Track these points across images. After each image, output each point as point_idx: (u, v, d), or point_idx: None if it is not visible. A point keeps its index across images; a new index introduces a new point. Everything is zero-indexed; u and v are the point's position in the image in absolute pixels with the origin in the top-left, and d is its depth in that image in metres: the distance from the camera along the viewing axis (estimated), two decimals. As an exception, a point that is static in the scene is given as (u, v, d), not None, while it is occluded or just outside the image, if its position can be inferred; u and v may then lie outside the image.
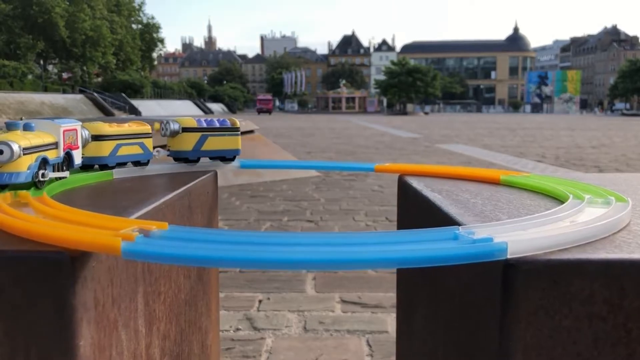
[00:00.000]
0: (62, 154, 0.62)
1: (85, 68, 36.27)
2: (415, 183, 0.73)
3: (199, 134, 0.79)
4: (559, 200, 0.58)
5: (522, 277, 0.38)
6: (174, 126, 0.79)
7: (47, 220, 0.45)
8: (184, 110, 33.65)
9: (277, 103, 73.97)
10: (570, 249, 0.40)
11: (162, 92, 40.87)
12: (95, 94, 27.68)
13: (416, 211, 0.72)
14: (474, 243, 0.39)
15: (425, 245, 0.39)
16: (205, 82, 74.06)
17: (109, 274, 0.44)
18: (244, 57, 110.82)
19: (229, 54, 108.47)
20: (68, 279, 0.38)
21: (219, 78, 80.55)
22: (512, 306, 0.38)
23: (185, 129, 0.79)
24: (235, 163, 0.85)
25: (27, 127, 0.59)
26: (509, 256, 0.38)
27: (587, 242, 0.42)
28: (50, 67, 37.75)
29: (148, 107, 30.51)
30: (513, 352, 0.39)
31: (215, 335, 0.85)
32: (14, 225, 0.43)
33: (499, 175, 0.73)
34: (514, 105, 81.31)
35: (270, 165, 0.96)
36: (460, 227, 0.42)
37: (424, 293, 0.67)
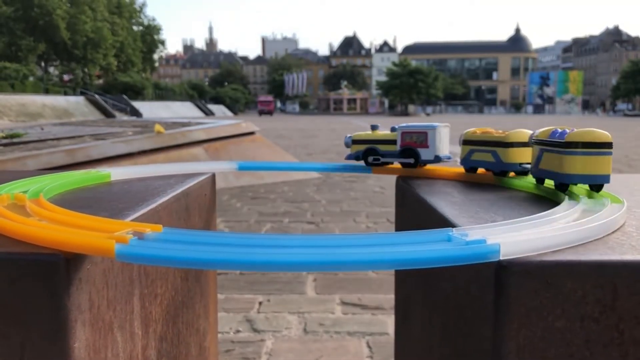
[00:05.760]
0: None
1: (86, 70, 36.35)
2: (413, 184, 0.73)
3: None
4: (555, 201, 0.59)
5: (514, 278, 0.38)
6: None
7: (43, 222, 0.45)
8: (185, 112, 33.64)
9: (279, 104, 73.98)
10: (564, 250, 0.40)
11: (163, 93, 40.92)
12: (97, 96, 27.71)
13: (413, 212, 0.72)
14: (467, 245, 0.39)
15: (418, 247, 0.39)
16: (207, 83, 74.14)
17: (104, 276, 0.44)
18: (245, 58, 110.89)
19: (230, 56, 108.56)
20: (63, 281, 0.39)
21: (220, 79, 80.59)
22: (505, 307, 0.38)
23: None
24: (233, 165, 0.85)
25: None
26: (501, 258, 0.38)
27: (581, 244, 0.42)
28: (51, 69, 37.84)
29: (149, 108, 30.55)
30: (506, 353, 0.39)
31: (213, 336, 0.86)
32: (10, 227, 0.43)
33: (493, 176, 0.73)
34: (516, 106, 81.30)
35: (270, 167, 0.96)
36: (454, 229, 0.42)
37: (421, 294, 0.67)
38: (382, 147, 0.82)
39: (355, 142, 0.84)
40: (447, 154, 0.80)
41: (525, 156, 0.71)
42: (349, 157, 0.86)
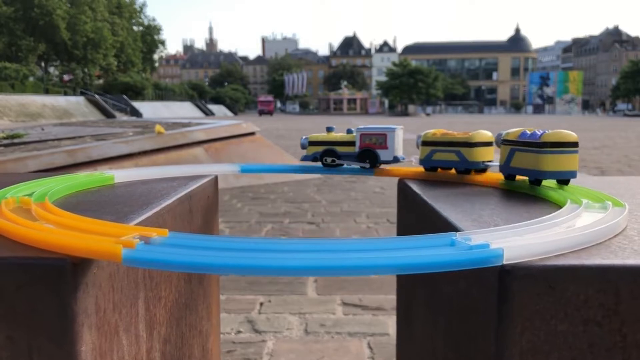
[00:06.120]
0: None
1: (86, 70, 36.35)
2: (415, 186, 0.73)
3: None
4: (557, 204, 0.59)
5: (517, 283, 0.38)
6: None
7: (49, 226, 0.45)
8: (185, 112, 33.67)
9: (279, 104, 74.04)
10: (566, 255, 0.41)
11: (163, 93, 40.94)
12: (97, 96, 27.74)
13: (415, 215, 0.72)
14: (471, 249, 0.39)
15: (422, 252, 0.39)
16: (207, 83, 74.17)
17: (110, 280, 0.45)
18: (245, 58, 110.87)
19: (230, 56, 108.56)
20: (69, 285, 0.39)
21: (220, 80, 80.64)
22: (508, 311, 0.39)
23: None
24: (236, 167, 0.86)
25: None
26: (504, 262, 0.38)
27: (583, 248, 0.42)
28: (51, 69, 37.84)
29: (149, 108, 30.57)
30: (509, 357, 0.39)
31: (216, 338, 0.86)
32: (16, 231, 0.44)
33: (498, 179, 0.73)
34: (516, 106, 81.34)
35: (272, 170, 0.96)
36: (457, 233, 0.43)
37: (423, 297, 0.67)
38: (340, 149, 0.85)
39: (312, 143, 0.87)
40: (402, 154, 0.85)
41: (487, 155, 0.76)
42: (305, 159, 0.88)
